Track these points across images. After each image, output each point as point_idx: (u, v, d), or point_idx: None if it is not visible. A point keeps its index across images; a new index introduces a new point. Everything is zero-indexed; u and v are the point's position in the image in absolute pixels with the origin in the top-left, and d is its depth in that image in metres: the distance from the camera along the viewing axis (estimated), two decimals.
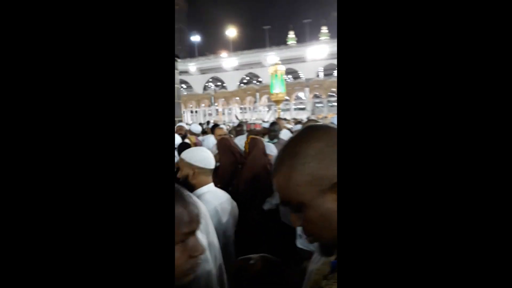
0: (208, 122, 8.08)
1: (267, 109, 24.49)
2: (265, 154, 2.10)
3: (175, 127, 4.28)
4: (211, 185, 1.28)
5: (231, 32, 51.93)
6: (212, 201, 1.22)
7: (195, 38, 52.41)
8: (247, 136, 2.20)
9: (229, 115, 26.52)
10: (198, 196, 1.17)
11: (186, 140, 2.72)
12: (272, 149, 2.27)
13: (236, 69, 36.28)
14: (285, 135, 2.83)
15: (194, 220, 0.51)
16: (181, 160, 1.22)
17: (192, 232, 0.51)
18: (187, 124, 5.72)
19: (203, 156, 1.22)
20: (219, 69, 36.88)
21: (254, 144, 2.05)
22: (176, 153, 2.48)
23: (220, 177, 1.93)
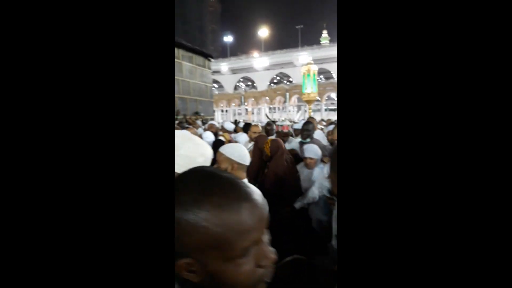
0: (236, 122, 8.17)
1: (297, 109, 24.22)
2: (288, 156, 2.01)
3: (207, 124, 4.44)
4: (245, 180, 1.32)
5: (263, 32, 52.12)
6: None
7: (228, 38, 53.41)
8: (269, 138, 2.10)
9: (258, 115, 26.67)
10: None
11: (221, 138, 2.82)
12: (316, 151, 2.03)
13: (267, 69, 36.37)
14: (318, 135, 2.79)
15: (262, 225, 0.37)
16: (220, 154, 1.28)
17: (258, 240, 0.37)
18: (218, 122, 5.89)
19: (242, 152, 1.28)
20: (250, 69, 37.26)
21: (276, 147, 1.95)
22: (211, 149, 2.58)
23: (248, 173, 1.96)
